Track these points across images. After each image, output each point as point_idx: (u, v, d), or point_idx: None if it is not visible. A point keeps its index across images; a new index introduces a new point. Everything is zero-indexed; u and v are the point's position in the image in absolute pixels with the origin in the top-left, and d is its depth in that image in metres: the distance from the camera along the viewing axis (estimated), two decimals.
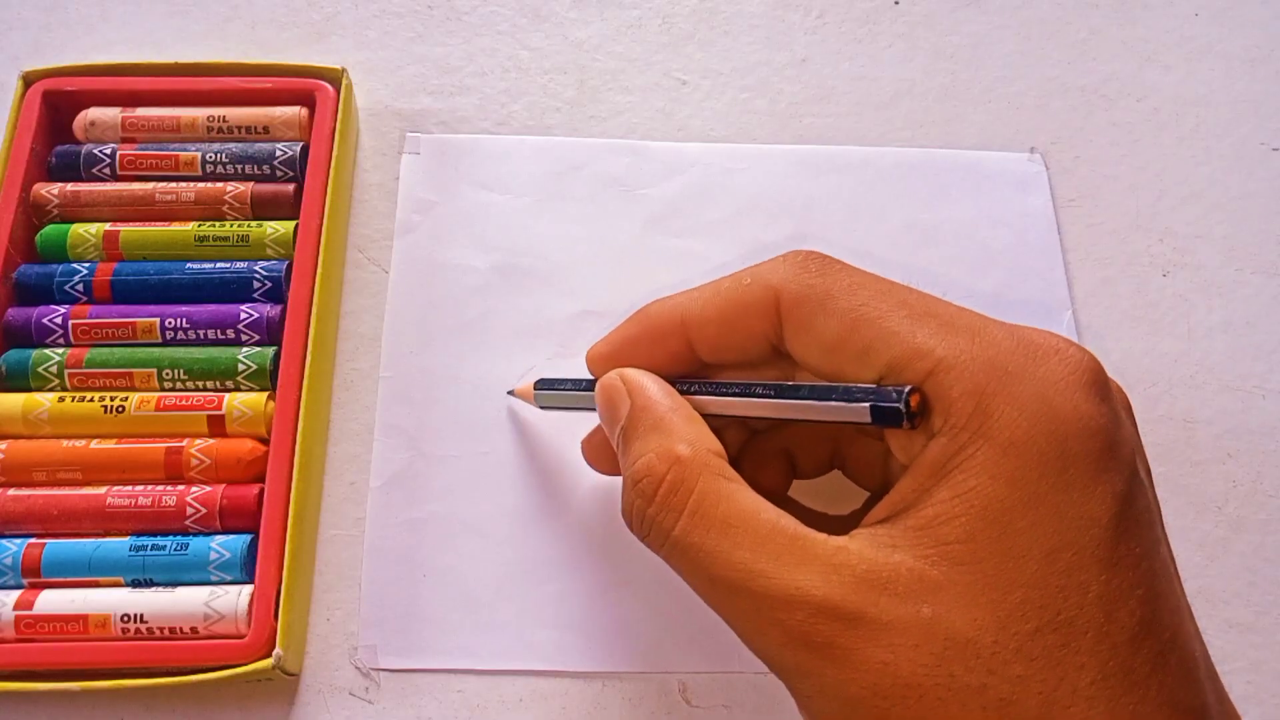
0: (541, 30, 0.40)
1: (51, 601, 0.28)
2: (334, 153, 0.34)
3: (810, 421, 0.24)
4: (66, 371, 0.32)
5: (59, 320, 0.32)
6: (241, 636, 0.28)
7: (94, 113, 0.35)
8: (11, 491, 0.30)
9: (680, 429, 0.24)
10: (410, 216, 0.37)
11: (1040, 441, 0.20)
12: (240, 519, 0.30)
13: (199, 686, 0.28)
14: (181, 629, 0.28)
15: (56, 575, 0.29)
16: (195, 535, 0.30)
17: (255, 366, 0.32)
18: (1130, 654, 0.19)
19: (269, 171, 0.35)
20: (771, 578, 0.21)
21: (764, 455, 0.29)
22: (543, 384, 0.31)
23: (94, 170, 0.35)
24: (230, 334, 0.32)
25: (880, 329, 0.22)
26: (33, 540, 0.29)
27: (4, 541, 0.29)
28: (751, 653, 0.23)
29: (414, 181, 0.37)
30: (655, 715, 0.30)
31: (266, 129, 0.35)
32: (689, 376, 0.27)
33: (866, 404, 0.22)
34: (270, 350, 0.32)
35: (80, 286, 0.33)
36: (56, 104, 0.35)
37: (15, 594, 0.29)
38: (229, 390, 0.32)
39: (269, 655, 0.28)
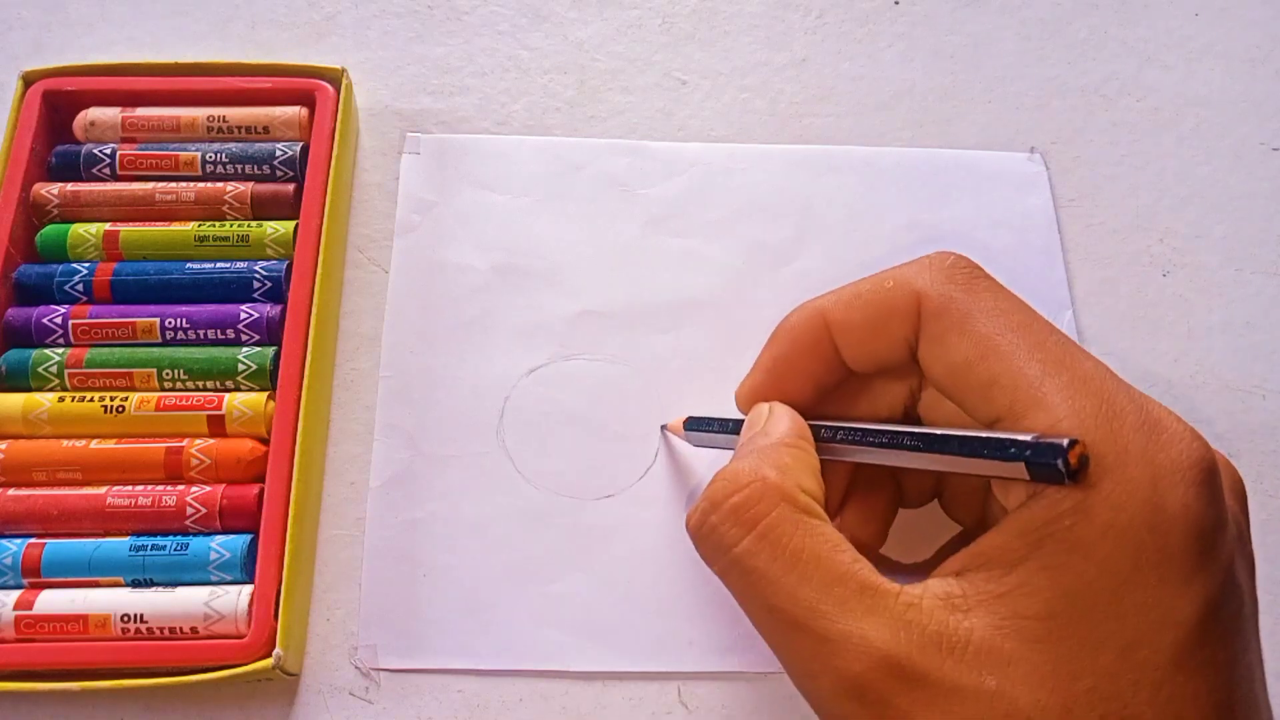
0: (541, 30, 0.40)
1: (51, 601, 0.28)
2: (334, 153, 0.34)
3: (960, 473, 0.22)
4: (66, 371, 0.31)
5: (59, 320, 0.32)
6: (241, 636, 0.28)
7: (94, 113, 0.35)
8: (11, 491, 0.30)
9: (780, 457, 0.24)
10: (410, 216, 0.37)
11: (1141, 531, 0.19)
12: (240, 519, 0.30)
13: (199, 686, 0.28)
14: (181, 629, 0.28)
15: (56, 575, 0.29)
16: (195, 535, 0.30)
17: (255, 366, 0.32)
18: None
19: (269, 171, 0.35)
20: (835, 621, 0.20)
21: (876, 483, 0.28)
22: (692, 423, 0.31)
23: (94, 170, 0.35)
24: (230, 334, 0.32)
25: (1010, 366, 0.22)
26: (33, 540, 0.29)
27: (4, 541, 0.29)
28: (797, 689, 0.22)
29: (414, 181, 0.37)
30: (655, 716, 0.30)
31: (266, 129, 0.35)
32: (834, 420, 0.26)
33: (1021, 462, 0.20)
34: (270, 350, 0.32)
35: (80, 286, 0.33)
36: (56, 104, 0.35)
37: (15, 594, 0.29)
38: (229, 390, 0.32)
39: (269, 655, 0.28)
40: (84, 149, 0.35)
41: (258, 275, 0.33)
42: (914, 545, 0.28)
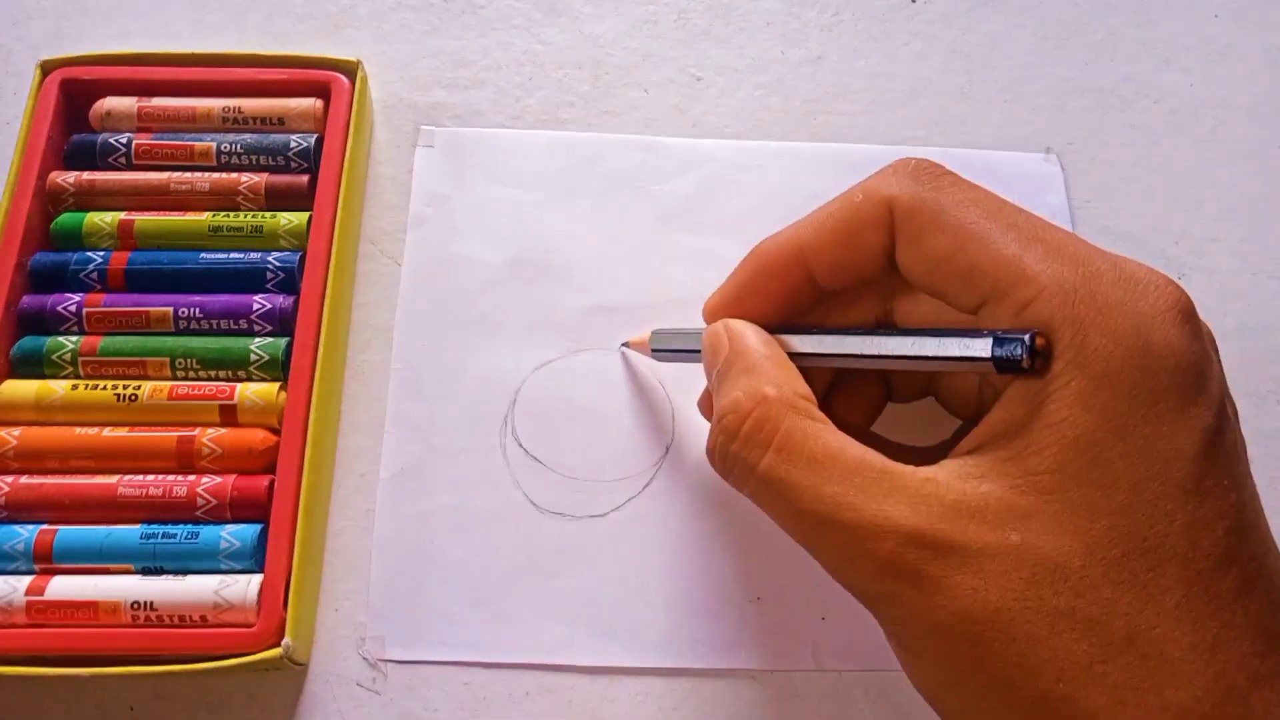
0: (557, 25, 0.40)
1: (63, 587, 0.29)
2: (348, 145, 0.35)
3: (924, 367, 0.24)
4: (80, 359, 0.32)
5: (73, 308, 0.32)
6: (251, 625, 0.28)
7: (110, 102, 0.35)
8: (24, 479, 0.30)
9: (769, 372, 0.25)
10: (423, 209, 0.37)
11: (1133, 374, 0.20)
12: (251, 509, 0.30)
13: (208, 674, 0.29)
14: (191, 617, 0.28)
15: (68, 561, 0.29)
16: (206, 524, 0.30)
17: (267, 357, 0.32)
18: (1215, 579, 0.20)
19: (283, 163, 0.35)
20: (860, 509, 0.22)
21: (861, 379, 0.29)
22: (659, 334, 0.32)
23: (110, 159, 0.35)
24: (243, 324, 0.32)
25: (988, 250, 0.23)
26: (45, 526, 0.30)
27: (16, 527, 0.30)
28: (840, 584, 0.23)
29: (427, 175, 0.37)
30: (662, 712, 0.30)
31: (282, 120, 0.35)
32: (799, 326, 0.27)
33: (988, 356, 0.22)
34: (283, 341, 0.32)
35: (95, 274, 0.33)
36: (73, 93, 0.35)
37: (27, 579, 0.29)
38: (241, 380, 0.32)
39: (278, 645, 0.28)
40: (100, 138, 0.35)
41: (271, 266, 0.33)
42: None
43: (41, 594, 0.28)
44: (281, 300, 0.33)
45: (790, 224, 0.27)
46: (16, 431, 0.31)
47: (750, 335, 0.26)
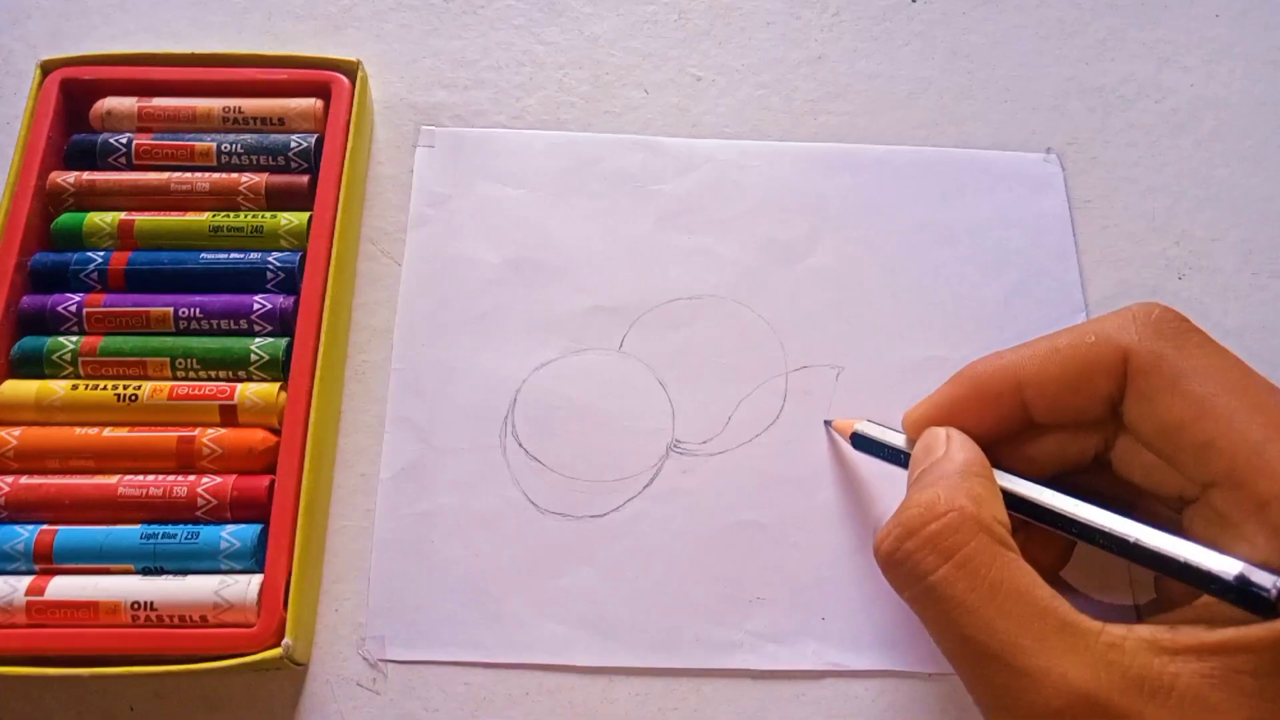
0: (557, 25, 0.40)
1: (63, 587, 0.29)
2: (349, 145, 0.35)
3: (1150, 565, 0.22)
4: (80, 359, 0.32)
5: (73, 308, 0.32)
6: (251, 625, 0.28)
7: (110, 102, 0.35)
8: (24, 479, 0.30)
9: (972, 486, 0.23)
10: (423, 210, 0.37)
11: None
12: (251, 509, 0.30)
13: (208, 674, 0.29)
14: (191, 617, 0.28)
15: (68, 561, 0.29)
16: (206, 524, 0.30)
17: (268, 357, 0.32)
18: None
19: (284, 163, 0.35)
20: (1034, 656, 0.20)
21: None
22: (867, 425, 0.30)
23: (110, 159, 0.35)
24: (243, 324, 0.32)
25: (1230, 429, 0.21)
26: (45, 526, 0.30)
27: (17, 527, 0.30)
28: (982, 714, 0.22)
29: (428, 175, 0.37)
30: (662, 712, 0.30)
31: (282, 120, 0.35)
32: (1013, 470, 0.26)
33: (1233, 583, 0.20)
34: (283, 341, 0.32)
35: (95, 274, 0.33)
36: (74, 93, 0.35)
37: (27, 579, 0.29)
38: (241, 380, 0.32)
39: (278, 645, 0.28)
40: (100, 138, 0.35)
41: (271, 266, 0.33)
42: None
43: (41, 594, 0.29)
44: (282, 300, 0.33)
45: (1010, 349, 0.26)
46: (17, 431, 0.31)
47: (970, 450, 0.25)
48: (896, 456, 0.29)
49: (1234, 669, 0.19)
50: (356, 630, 0.31)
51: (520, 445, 0.33)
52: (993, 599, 0.21)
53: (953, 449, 0.25)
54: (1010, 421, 0.26)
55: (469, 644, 0.31)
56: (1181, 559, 0.21)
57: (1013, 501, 0.25)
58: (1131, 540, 0.22)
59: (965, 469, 0.24)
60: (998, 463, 0.26)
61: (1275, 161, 0.39)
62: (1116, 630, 0.21)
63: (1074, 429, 0.26)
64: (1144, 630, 0.21)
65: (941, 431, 0.26)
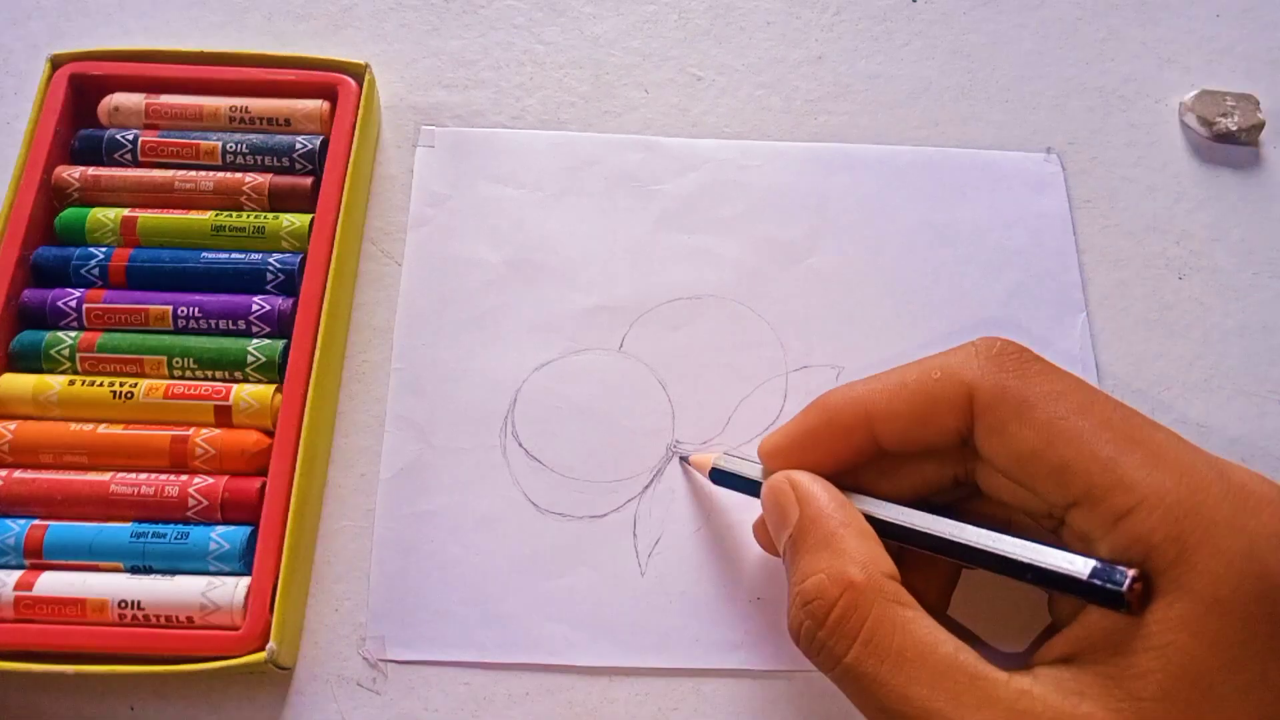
0: (557, 25, 0.40)
1: (51, 583, 0.29)
2: (354, 147, 0.34)
3: (1015, 574, 0.23)
4: (78, 355, 0.32)
5: (73, 303, 0.32)
6: (237, 628, 0.28)
7: (118, 98, 0.35)
8: (18, 473, 0.30)
9: (852, 548, 0.23)
10: (424, 210, 0.37)
11: (1247, 603, 0.19)
12: (241, 511, 0.30)
13: (192, 676, 0.28)
14: (178, 618, 0.28)
15: (57, 557, 0.29)
16: (196, 525, 0.30)
17: (264, 359, 0.32)
18: None
19: (288, 164, 0.35)
20: (949, 717, 0.20)
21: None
22: (717, 474, 0.30)
23: (116, 155, 0.35)
24: (241, 325, 0.32)
25: (1081, 450, 0.21)
26: (36, 521, 0.30)
27: (8, 521, 0.29)
28: None
29: (428, 175, 0.37)
30: (662, 712, 0.30)
31: (288, 121, 0.35)
32: (867, 490, 0.26)
33: (1086, 579, 0.21)
34: (280, 343, 0.32)
35: (96, 270, 0.33)
36: (82, 88, 0.35)
37: (16, 574, 0.29)
38: (237, 381, 0.32)
39: (262, 649, 0.28)
40: (107, 134, 0.35)
41: (271, 268, 0.33)
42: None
43: (30, 589, 0.28)
44: (280, 302, 0.33)
45: (862, 380, 0.26)
46: (12, 425, 0.31)
47: (823, 499, 0.25)
48: (756, 490, 0.28)
49: (1135, 698, 0.19)
50: (356, 630, 0.31)
51: (520, 445, 0.33)
52: (901, 668, 0.21)
53: (807, 504, 0.25)
54: (864, 452, 0.26)
55: (469, 644, 0.31)
56: (1037, 563, 0.22)
57: (882, 528, 0.25)
58: (988, 550, 0.23)
59: (834, 525, 0.24)
60: (859, 486, 0.26)
61: (1276, 161, 0.39)
62: (1023, 679, 0.21)
63: (931, 457, 0.26)
64: (1047, 673, 0.21)
65: (783, 481, 0.26)
